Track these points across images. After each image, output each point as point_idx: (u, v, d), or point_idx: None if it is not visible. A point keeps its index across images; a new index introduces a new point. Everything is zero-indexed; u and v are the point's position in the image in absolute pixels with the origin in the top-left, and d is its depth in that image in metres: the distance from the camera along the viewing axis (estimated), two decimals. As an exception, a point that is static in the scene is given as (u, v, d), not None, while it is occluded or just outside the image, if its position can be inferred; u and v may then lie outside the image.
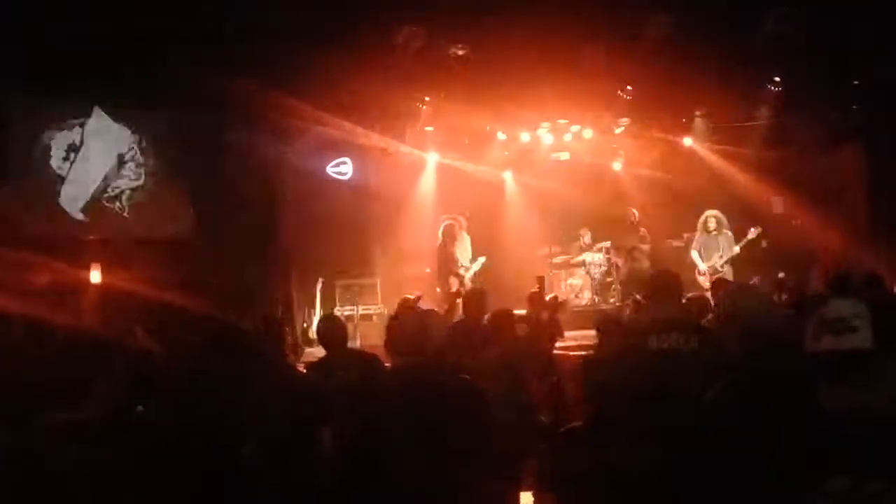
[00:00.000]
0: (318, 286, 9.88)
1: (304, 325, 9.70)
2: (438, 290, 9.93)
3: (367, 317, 9.87)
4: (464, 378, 3.30)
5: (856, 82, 9.09)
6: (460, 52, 7.71)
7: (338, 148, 10.53)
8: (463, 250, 10.21)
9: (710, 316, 5.04)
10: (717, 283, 7.64)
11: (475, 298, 5.87)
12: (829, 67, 8.44)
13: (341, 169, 10.75)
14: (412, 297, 7.25)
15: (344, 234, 10.34)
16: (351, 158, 10.70)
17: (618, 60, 8.03)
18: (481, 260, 10.10)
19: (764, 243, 10.01)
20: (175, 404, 2.91)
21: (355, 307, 9.88)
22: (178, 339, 4.76)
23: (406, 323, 3.24)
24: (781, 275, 8.49)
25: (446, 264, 10.00)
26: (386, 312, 9.10)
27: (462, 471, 2.70)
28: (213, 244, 8.96)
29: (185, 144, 9.15)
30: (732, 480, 2.05)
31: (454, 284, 9.53)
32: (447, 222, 10.28)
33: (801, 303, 4.88)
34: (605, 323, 5.14)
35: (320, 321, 5.13)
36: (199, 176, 9.15)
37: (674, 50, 7.27)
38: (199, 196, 9.19)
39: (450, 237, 10.16)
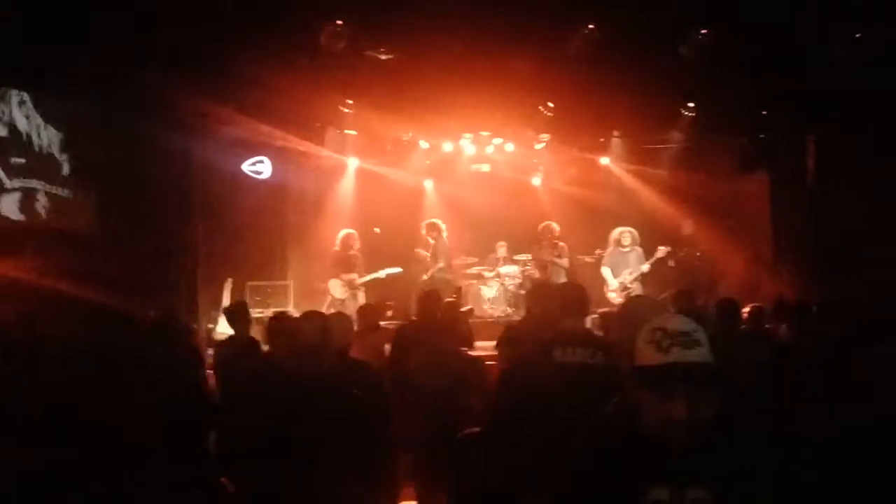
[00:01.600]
0: (227, 286, 9.58)
1: (209, 325, 9.38)
2: None
3: (278, 320, 9.63)
4: (351, 392, 3.21)
5: (763, 112, 9.47)
6: (384, 56, 7.61)
7: (256, 146, 10.28)
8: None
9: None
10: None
11: (428, 300, 5.89)
12: (740, 96, 8.77)
13: (258, 168, 10.49)
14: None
15: (258, 235, 10.10)
16: (269, 158, 10.46)
17: (541, 76, 8.09)
18: (389, 270, 10.05)
19: (671, 263, 10.32)
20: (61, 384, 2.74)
21: (265, 310, 9.61)
22: (67, 328, 4.52)
23: (307, 326, 3.13)
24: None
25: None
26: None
27: (333, 480, 2.62)
28: (116, 237, 8.57)
29: (95, 136, 8.74)
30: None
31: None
32: (346, 232, 10.13)
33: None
34: (508, 333, 5.17)
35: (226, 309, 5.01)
36: (107, 168, 8.74)
37: (596, 69, 7.39)
38: (107, 189, 8.78)
39: (346, 245, 10.04)
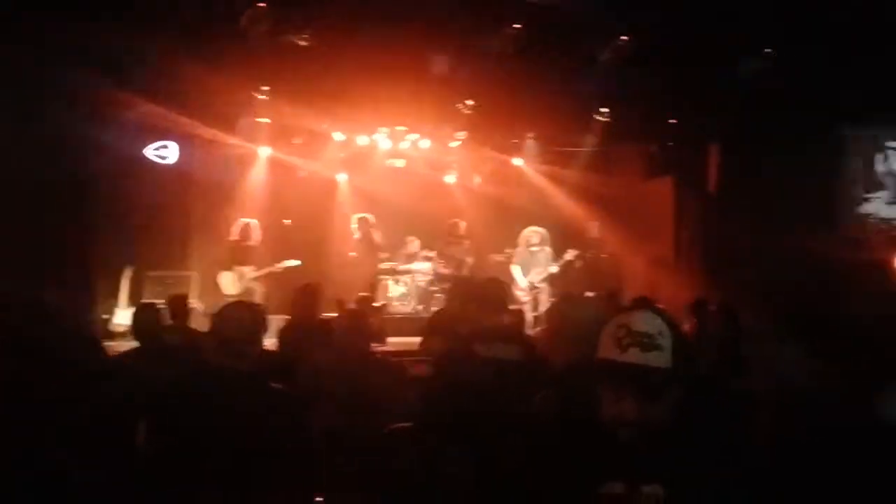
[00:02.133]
0: (126, 276, 9.13)
1: (105, 316, 8.91)
2: None
3: (180, 312, 9.23)
4: (277, 388, 3.10)
5: (672, 121, 9.83)
6: (304, 43, 7.41)
7: (162, 131, 9.83)
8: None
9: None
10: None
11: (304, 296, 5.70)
12: (651, 105, 9.06)
13: (163, 153, 10.03)
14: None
15: (160, 223, 9.66)
16: (177, 143, 10.03)
17: (461, 73, 8.10)
18: (287, 263, 9.74)
19: (578, 264, 10.57)
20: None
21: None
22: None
23: (238, 320, 2.99)
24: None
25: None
26: (202, 308, 8.57)
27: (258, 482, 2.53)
28: (5, 222, 8.01)
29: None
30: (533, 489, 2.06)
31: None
32: (244, 221, 9.83)
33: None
34: (433, 324, 5.15)
35: (136, 310, 4.69)
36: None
37: (517, 70, 7.45)
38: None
39: (244, 236, 9.76)
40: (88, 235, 9.02)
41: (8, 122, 7.96)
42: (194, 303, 9.20)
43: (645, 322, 1.79)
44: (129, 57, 7.60)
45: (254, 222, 9.72)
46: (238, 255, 9.50)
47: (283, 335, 5.45)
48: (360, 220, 10.45)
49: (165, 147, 9.99)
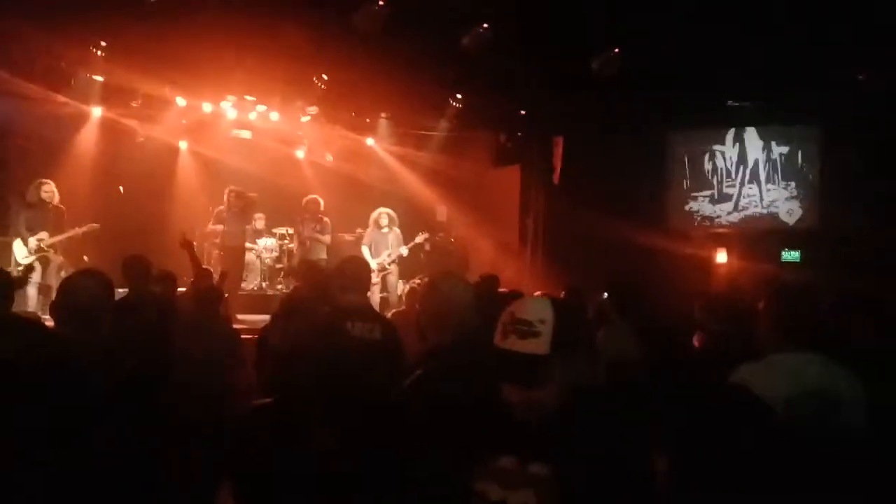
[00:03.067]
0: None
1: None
2: None
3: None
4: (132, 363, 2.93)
5: (522, 112, 10.17)
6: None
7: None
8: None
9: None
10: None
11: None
12: (504, 95, 9.31)
13: (-22, 107, 9.03)
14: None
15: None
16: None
17: (318, 47, 7.88)
18: (87, 227, 8.77)
19: (427, 247, 10.72)
20: None
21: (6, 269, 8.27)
22: None
23: (88, 289, 2.76)
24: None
25: None
26: (26, 277, 7.83)
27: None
28: None
29: None
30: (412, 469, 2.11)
31: None
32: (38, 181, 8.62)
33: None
34: (287, 305, 5.00)
35: None
36: None
37: (377, 48, 7.37)
38: None
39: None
40: None
41: None
42: (14, 272, 8.44)
43: (529, 310, 1.85)
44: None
45: (47, 182, 8.71)
46: (31, 221, 8.47)
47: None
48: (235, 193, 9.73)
49: (-16, 101, 9.00)
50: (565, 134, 10.46)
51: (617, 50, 7.46)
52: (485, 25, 7.00)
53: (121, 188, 10.34)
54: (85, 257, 9.34)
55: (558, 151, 10.54)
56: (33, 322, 2.92)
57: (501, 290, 6.41)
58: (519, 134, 10.89)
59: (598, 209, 9.48)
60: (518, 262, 10.64)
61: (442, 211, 11.95)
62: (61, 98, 9.42)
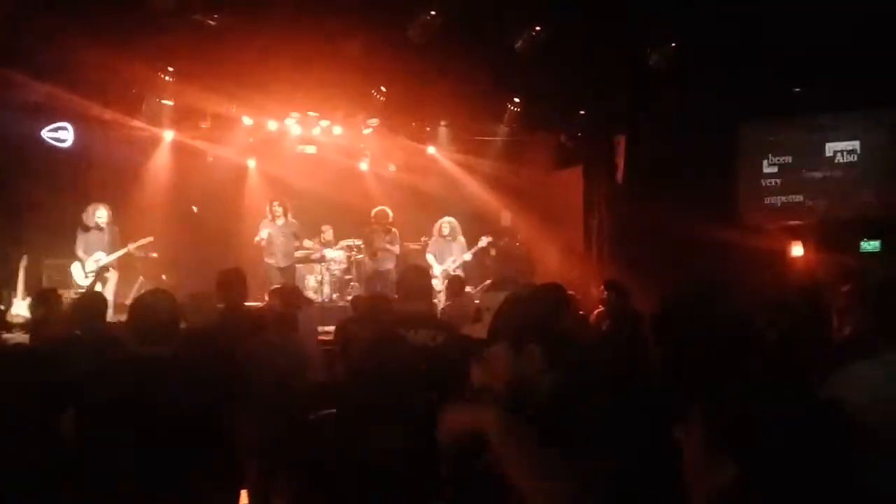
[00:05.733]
0: (23, 264, 8.62)
1: (2, 307, 8.40)
2: None
3: (82, 300, 8.76)
4: (203, 373, 3.03)
5: (581, 112, 10.06)
6: (212, 23, 7.17)
7: (59, 112, 9.31)
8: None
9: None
10: (452, 281, 8.15)
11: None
12: (562, 96, 9.25)
13: (60, 135, 9.52)
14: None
15: (59, 208, 9.15)
16: (73, 124, 9.52)
17: (376, 59, 8.02)
18: (139, 243, 9.07)
19: (493, 252, 10.73)
20: None
21: (67, 290, 8.73)
22: None
23: (154, 307, 2.89)
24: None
25: None
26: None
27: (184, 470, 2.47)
28: None
29: None
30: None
31: None
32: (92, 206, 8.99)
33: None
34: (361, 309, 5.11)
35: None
36: None
37: (431, 57, 7.45)
38: None
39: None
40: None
41: None
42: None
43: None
44: (24, 35, 7.15)
45: (101, 206, 8.94)
46: (90, 242, 8.83)
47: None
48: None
49: (63, 129, 9.49)
50: (627, 131, 10.30)
51: (672, 45, 7.32)
52: (537, 28, 6.98)
53: (194, 207, 10.70)
54: (163, 276, 9.74)
55: (621, 150, 10.38)
56: (116, 339, 3.11)
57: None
58: (579, 134, 10.79)
59: (665, 206, 9.28)
60: (584, 264, 10.53)
61: (506, 216, 11.94)
62: (135, 122, 9.86)
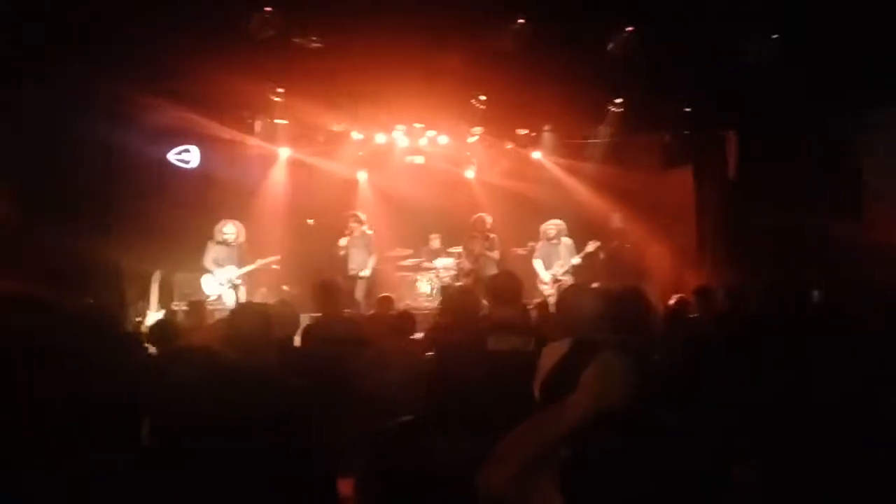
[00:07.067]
0: (156, 278, 9.31)
1: (137, 319, 9.11)
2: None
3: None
4: (286, 382, 3.14)
5: (687, 109, 9.75)
6: (315, 45, 7.52)
7: (183, 135, 10.03)
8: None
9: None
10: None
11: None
12: (665, 93, 9.01)
13: (185, 157, 10.23)
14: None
15: (185, 226, 9.84)
16: (197, 146, 10.22)
17: (473, 69, 8.15)
18: (266, 260, 9.64)
19: (602, 255, 10.56)
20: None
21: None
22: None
23: (249, 319, 3.08)
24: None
25: None
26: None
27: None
28: (36, 228, 8.21)
29: (12, 126, 8.30)
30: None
31: None
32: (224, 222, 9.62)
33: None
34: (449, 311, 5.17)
35: (154, 324, 4.73)
36: (26, 158, 8.34)
37: (526, 64, 7.49)
38: (27, 179, 8.37)
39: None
40: (116, 241, 9.22)
41: (32, 131, 8.17)
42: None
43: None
44: (148, 60, 7.73)
45: (234, 222, 9.54)
46: (220, 257, 9.39)
47: (309, 332, 5.24)
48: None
49: (187, 151, 10.19)
50: (737, 126, 9.89)
51: (774, 36, 6.99)
52: (628, 28, 6.87)
53: (310, 221, 11.18)
54: (284, 287, 10.26)
55: (732, 146, 9.98)
56: (205, 350, 3.32)
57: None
58: (686, 132, 10.46)
59: (780, 203, 8.87)
60: (698, 265, 10.19)
61: (616, 218, 11.71)
62: (251, 141, 10.46)
